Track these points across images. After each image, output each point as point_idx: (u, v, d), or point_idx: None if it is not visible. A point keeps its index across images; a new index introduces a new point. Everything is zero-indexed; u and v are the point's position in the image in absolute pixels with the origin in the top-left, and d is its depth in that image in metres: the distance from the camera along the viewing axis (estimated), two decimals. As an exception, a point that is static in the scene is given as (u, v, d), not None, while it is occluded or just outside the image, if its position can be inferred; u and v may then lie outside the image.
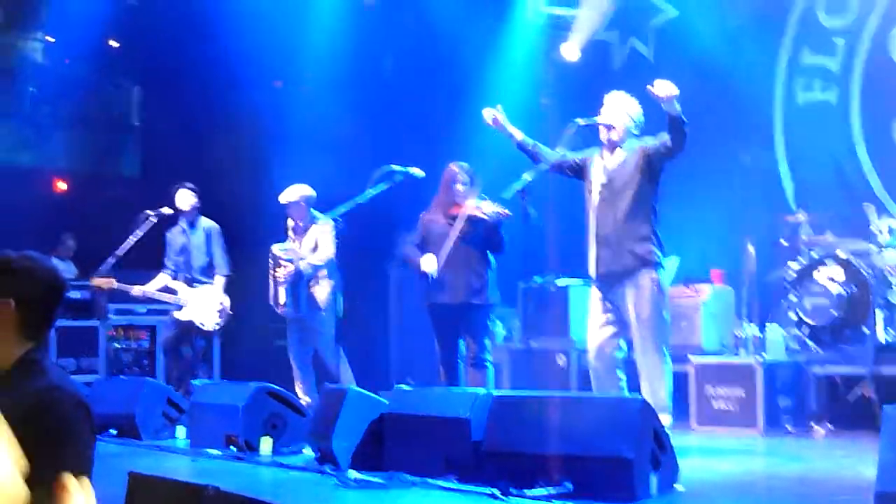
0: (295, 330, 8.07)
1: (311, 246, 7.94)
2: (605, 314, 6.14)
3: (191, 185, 8.69)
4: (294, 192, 8.06)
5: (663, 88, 5.72)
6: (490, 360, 7.00)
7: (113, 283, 8.42)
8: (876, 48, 9.48)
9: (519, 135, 6.49)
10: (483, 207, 6.75)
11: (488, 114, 6.50)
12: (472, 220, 6.81)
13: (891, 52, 9.37)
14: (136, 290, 8.56)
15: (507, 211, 6.57)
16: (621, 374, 6.09)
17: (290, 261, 7.87)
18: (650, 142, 6.06)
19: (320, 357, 7.94)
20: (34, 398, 2.41)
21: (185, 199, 8.64)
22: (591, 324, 6.21)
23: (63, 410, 2.42)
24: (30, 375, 2.49)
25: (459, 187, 7.02)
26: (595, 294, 6.22)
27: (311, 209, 8.08)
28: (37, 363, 2.53)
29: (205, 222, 8.74)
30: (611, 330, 6.10)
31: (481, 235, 6.85)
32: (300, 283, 7.92)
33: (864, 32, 9.56)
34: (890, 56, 9.37)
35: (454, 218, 6.90)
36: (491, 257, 6.96)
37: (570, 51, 10.84)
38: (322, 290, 7.94)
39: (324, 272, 7.91)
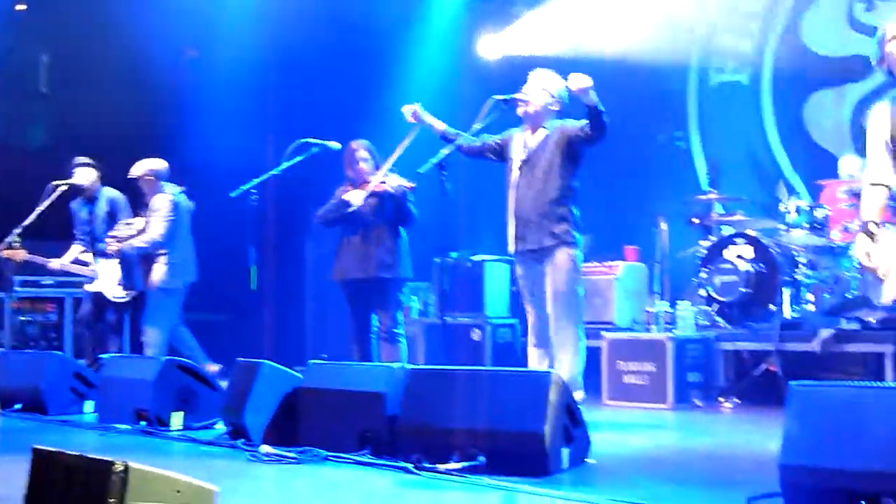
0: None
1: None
2: (526, 289, 6.21)
3: (87, 161, 8.51)
4: (140, 167, 8.03)
5: (577, 81, 5.74)
6: (403, 335, 6.99)
7: (24, 255, 8.24)
8: (788, 31, 9.65)
9: (440, 126, 6.46)
10: (388, 181, 6.74)
11: (408, 110, 6.46)
12: (379, 195, 6.80)
13: (802, 35, 9.55)
14: (53, 262, 8.41)
15: (411, 183, 6.57)
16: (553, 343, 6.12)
17: (115, 238, 7.92)
18: (571, 125, 6.06)
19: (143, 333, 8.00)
20: None
21: (84, 175, 8.48)
22: (525, 302, 6.27)
23: None
24: None
25: (362, 165, 7.00)
26: (518, 271, 6.28)
27: (163, 183, 8.05)
28: None
29: (108, 192, 8.57)
30: (534, 304, 6.17)
31: (389, 209, 6.84)
32: (130, 261, 7.97)
33: (778, 17, 9.72)
34: (801, 40, 9.55)
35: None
36: (402, 231, 6.95)
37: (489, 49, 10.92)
38: (157, 269, 7.94)
39: (162, 250, 7.91)
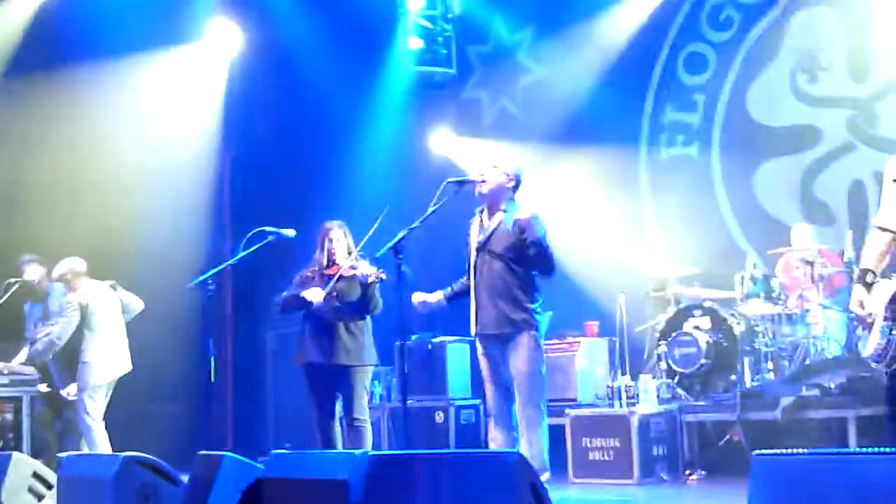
0: None
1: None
2: (489, 370, 6.18)
3: (35, 257, 8.47)
4: (60, 267, 8.12)
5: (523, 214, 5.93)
6: (367, 421, 6.87)
7: None
8: (734, 104, 9.84)
9: (444, 296, 6.42)
10: (359, 268, 6.64)
11: (417, 301, 6.41)
12: (347, 280, 6.71)
13: (748, 107, 9.74)
14: (3, 367, 8.33)
15: (382, 274, 6.48)
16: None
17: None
18: (525, 235, 6.00)
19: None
20: None
21: (34, 271, 8.43)
22: (487, 390, 6.24)
23: None
24: None
25: (335, 245, 6.90)
26: (479, 354, 6.25)
27: (83, 281, 8.08)
28: None
29: (60, 287, 8.50)
30: (495, 385, 6.14)
31: (352, 301, 6.74)
32: (47, 364, 8.15)
33: (724, 89, 9.91)
34: (747, 111, 9.73)
35: (330, 277, 6.76)
36: (368, 318, 6.86)
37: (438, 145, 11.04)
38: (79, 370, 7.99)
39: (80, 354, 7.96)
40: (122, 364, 8.07)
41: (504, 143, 6.69)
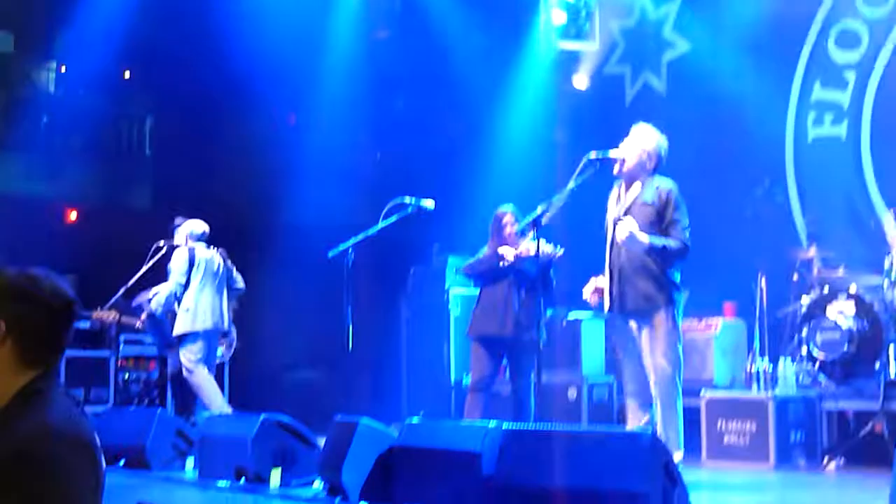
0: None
1: None
2: (625, 348, 6.13)
3: (184, 220, 8.73)
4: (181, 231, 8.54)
5: (620, 233, 5.80)
6: (532, 398, 7.06)
7: (115, 316, 8.51)
8: (886, 82, 9.49)
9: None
10: (534, 248, 6.82)
11: (589, 293, 6.31)
12: (523, 260, 6.90)
13: (902, 87, 9.38)
14: (140, 322, 8.67)
15: (559, 251, 6.61)
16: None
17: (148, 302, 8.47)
18: (669, 213, 5.96)
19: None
20: (21, 440, 2.17)
21: (181, 234, 8.69)
22: (620, 358, 6.20)
23: (50, 454, 2.17)
24: (28, 410, 2.26)
25: (509, 229, 7.15)
26: (613, 330, 6.21)
27: (194, 243, 8.47)
28: (40, 394, 2.29)
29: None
30: (631, 364, 6.09)
31: (531, 274, 6.92)
32: (159, 322, 8.53)
33: (875, 66, 9.58)
34: (901, 91, 9.38)
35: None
36: (540, 297, 7.02)
37: (582, 81, 10.92)
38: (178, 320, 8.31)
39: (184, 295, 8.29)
40: (218, 319, 8.34)
41: (646, 121, 6.62)
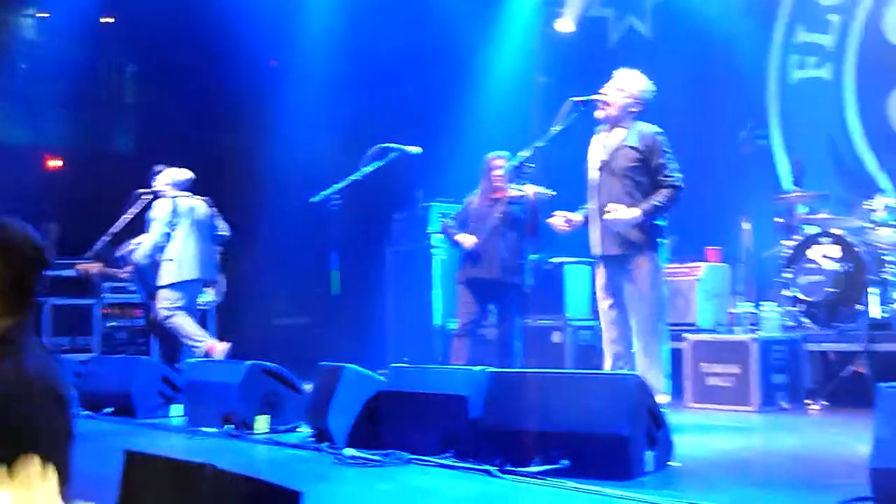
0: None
1: None
2: (607, 292, 6.13)
3: (163, 168, 8.65)
4: (161, 178, 8.40)
5: (614, 223, 5.84)
6: (518, 341, 7.18)
7: (98, 268, 8.46)
8: (870, 25, 9.47)
9: (581, 216, 6.24)
10: (527, 190, 6.90)
11: (561, 220, 6.22)
12: (513, 202, 7.03)
13: (884, 29, 9.36)
14: (124, 272, 8.63)
15: (551, 192, 6.63)
16: (635, 347, 6.04)
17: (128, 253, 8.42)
18: (656, 157, 5.94)
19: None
20: None
21: (161, 180, 8.62)
22: (599, 302, 6.20)
23: (25, 404, 2.17)
24: (0, 359, 2.25)
25: (498, 173, 7.24)
26: (598, 273, 6.19)
27: (178, 192, 8.34)
28: (14, 343, 2.29)
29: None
30: (616, 307, 6.09)
31: (520, 218, 7.00)
32: (143, 271, 8.39)
33: (859, 9, 9.54)
34: (883, 33, 9.36)
35: (495, 201, 7.18)
36: (526, 241, 7.11)
37: (566, 24, 10.85)
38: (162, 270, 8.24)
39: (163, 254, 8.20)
40: (203, 268, 8.31)
41: (630, 64, 6.58)
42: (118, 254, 8.62)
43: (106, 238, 8.45)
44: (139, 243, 8.29)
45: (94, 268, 8.51)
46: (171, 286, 8.15)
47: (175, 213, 8.22)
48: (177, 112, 11.36)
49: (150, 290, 8.41)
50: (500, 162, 7.27)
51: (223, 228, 8.55)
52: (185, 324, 8.11)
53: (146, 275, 8.39)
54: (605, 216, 5.90)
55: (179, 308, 8.13)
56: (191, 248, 8.23)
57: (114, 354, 9.55)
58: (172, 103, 11.45)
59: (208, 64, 11.14)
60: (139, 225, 8.47)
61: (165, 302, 8.15)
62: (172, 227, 8.18)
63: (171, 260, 8.17)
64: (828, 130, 9.58)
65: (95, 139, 12.99)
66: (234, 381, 6.28)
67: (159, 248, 8.16)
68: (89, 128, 12.88)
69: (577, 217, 6.20)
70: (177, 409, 7.22)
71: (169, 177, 8.40)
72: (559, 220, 6.21)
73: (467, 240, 7.25)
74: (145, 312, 9.74)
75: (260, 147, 10.74)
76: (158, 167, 8.61)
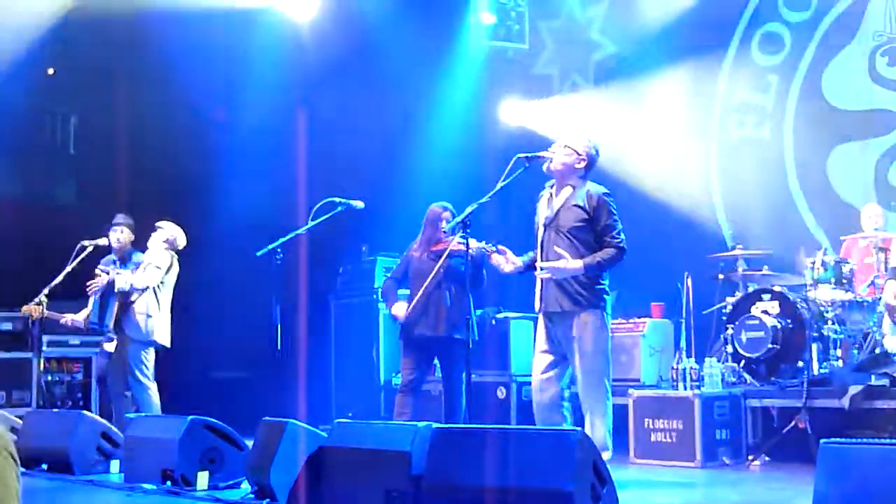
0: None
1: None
2: (548, 348, 6.13)
3: (125, 221, 8.55)
4: (160, 234, 8.27)
5: (555, 272, 5.88)
6: (463, 396, 7.06)
7: (42, 311, 8.29)
8: (809, 86, 9.68)
9: (522, 262, 6.36)
10: (469, 244, 6.80)
11: (501, 259, 6.34)
12: (455, 256, 6.88)
13: (823, 89, 9.57)
14: (66, 318, 8.48)
15: (492, 247, 6.58)
16: (566, 408, 6.07)
17: (106, 272, 8.08)
18: (603, 218, 5.99)
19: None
20: None
21: (118, 237, 8.51)
22: (536, 358, 6.20)
23: None
24: None
25: (443, 225, 7.14)
26: (540, 328, 6.20)
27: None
28: None
29: (138, 258, 8.56)
30: (555, 364, 6.09)
31: (461, 272, 6.91)
32: (110, 296, 8.16)
33: (798, 70, 9.76)
34: (822, 94, 9.57)
35: (437, 254, 7.02)
36: (469, 295, 7.02)
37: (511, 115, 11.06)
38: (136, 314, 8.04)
39: (142, 297, 8.03)
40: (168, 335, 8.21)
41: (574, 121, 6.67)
42: (98, 268, 8.34)
43: (46, 291, 8.30)
44: (119, 273, 8.10)
45: (38, 311, 8.33)
46: (145, 343, 8.01)
47: (170, 271, 8.12)
48: (121, 163, 11.25)
49: (104, 324, 8.23)
50: (444, 213, 7.21)
51: None
52: (155, 406, 7.98)
53: (110, 305, 8.20)
54: (545, 264, 5.92)
55: (152, 376, 8.01)
56: (166, 315, 8.13)
57: (51, 409, 9.36)
58: (116, 154, 11.35)
59: (152, 113, 11.08)
60: (82, 277, 8.34)
61: (143, 366, 8.00)
62: (162, 283, 8.08)
63: (149, 316, 8.02)
64: (767, 189, 9.73)
65: (36, 189, 12.82)
66: (175, 437, 6.19)
67: (142, 292, 8.02)
68: (29, 178, 12.71)
69: (518, 261, 6.27)
70: (116, 465, 7.09)
71: (171, 234, 8.26)
72: (501, 258, 6.28)
73: (400, 312, 7.14)
74: (83, 366, 9.61)
75: (205, 199, 10.67)
76: (119, 217, 8.50)
